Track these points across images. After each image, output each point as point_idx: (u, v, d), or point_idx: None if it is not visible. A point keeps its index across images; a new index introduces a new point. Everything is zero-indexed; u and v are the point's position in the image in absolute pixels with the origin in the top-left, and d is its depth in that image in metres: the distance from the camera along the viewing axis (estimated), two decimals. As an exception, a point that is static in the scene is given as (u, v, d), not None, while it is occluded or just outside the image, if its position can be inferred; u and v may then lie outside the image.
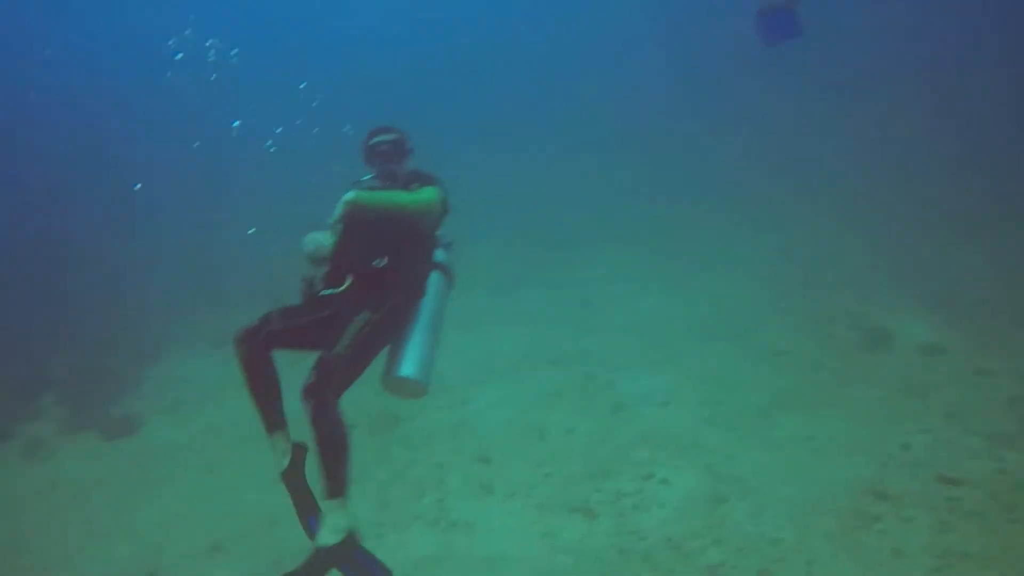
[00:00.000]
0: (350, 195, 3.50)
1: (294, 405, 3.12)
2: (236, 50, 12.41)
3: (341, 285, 3.44)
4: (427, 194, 3.70)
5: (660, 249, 12.56)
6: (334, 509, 2.95)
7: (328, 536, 2.90)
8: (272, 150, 10.51)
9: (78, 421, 8.02)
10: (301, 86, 13.38)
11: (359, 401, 3.33)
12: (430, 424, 7.37)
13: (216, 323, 11.82)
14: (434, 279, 3.71)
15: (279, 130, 10.64)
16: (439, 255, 3.86)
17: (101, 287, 12.55)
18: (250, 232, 8.76)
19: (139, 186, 14.26)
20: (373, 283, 3.44)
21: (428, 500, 6.04)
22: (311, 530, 3.04)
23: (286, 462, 3.23)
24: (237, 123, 11.59)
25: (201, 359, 10.39)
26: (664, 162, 16.84)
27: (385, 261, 3.49)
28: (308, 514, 3.13)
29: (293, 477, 3.22)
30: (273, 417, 3.30)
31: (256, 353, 3.27)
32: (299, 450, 3.26)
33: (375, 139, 3.98)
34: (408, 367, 3.43)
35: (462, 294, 4.01)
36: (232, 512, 6.02)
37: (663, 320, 9.60)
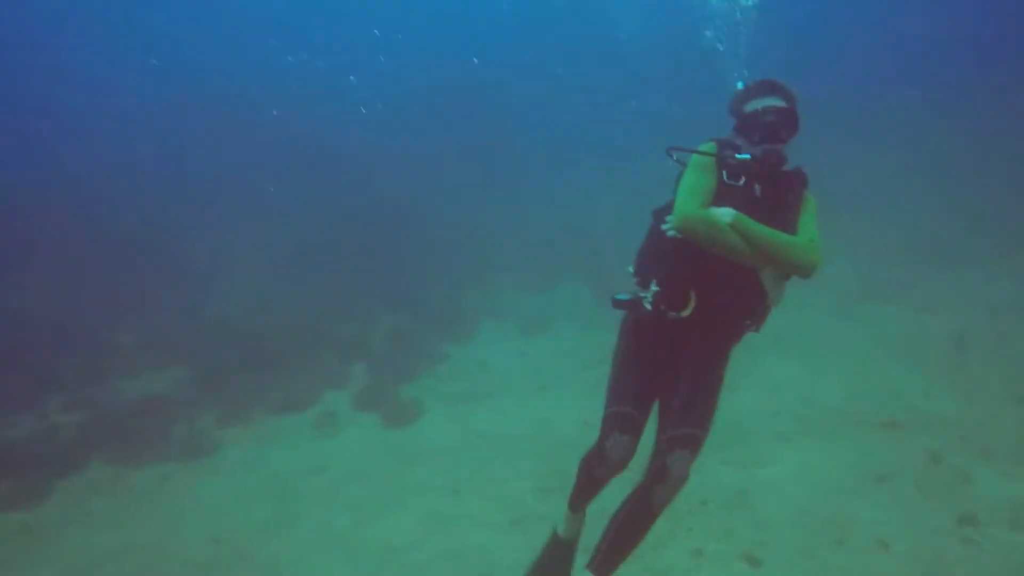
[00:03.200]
0: (730, 214, 2.76)
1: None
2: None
3: (685, 307, 2.90)
4: (818, 247, 2.95)
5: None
6: None
7: None
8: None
9: (370, 398, 8.53)
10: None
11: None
12: (704, 484, 6.20)
13: (528, 303, 11.96)
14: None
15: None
16: None
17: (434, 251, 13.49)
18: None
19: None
20: (725, 309, 2.96)
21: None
22: None
23: (564, 534, 3.33)
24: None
25: (505, 343, 10.48)
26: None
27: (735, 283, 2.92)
28: None
29: (560, 557, 3.32)
30: (583, 501, 3.31)
31: (596, 482, 3.19)
32: (573, 544, 3.38)
33: (760, 101, 2.97)
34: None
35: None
36: (455, 550, 5.54)
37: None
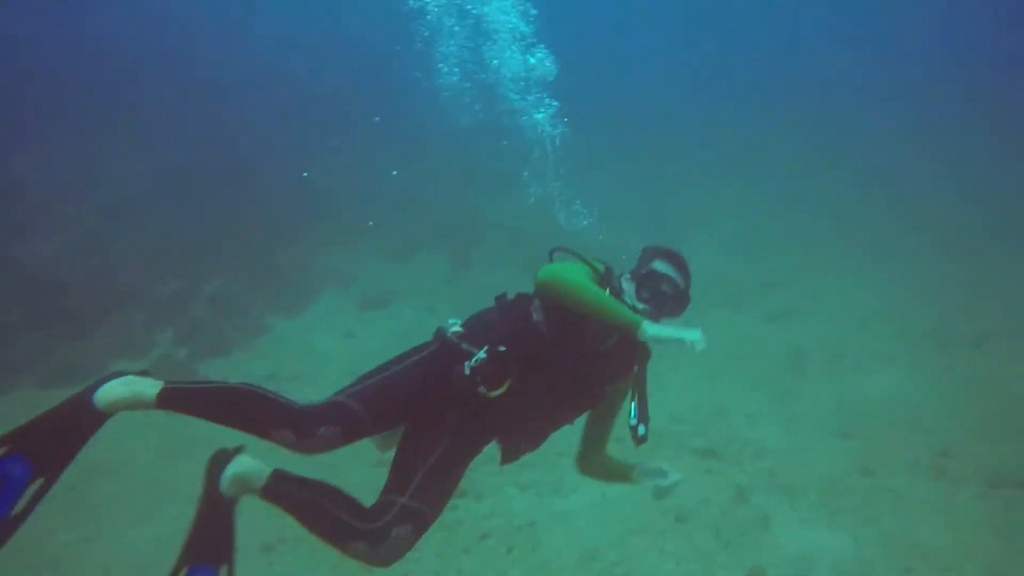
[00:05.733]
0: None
1: None
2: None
3: (497, 389, 2.52)
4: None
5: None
6: None
7: None
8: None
9: (160, 374, 7.51)
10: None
11: None
12: (493, 512, 5.60)
13: (377, 272, 11.04)
14: None
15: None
16: None
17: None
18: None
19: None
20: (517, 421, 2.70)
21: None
22: None
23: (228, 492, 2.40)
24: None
25: (337, 317, 9.59)
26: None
27: None
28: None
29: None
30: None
31: (271, 438, 2.44)
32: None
33: (668, 267, 2.90)
34: None
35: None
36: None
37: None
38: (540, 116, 5.12)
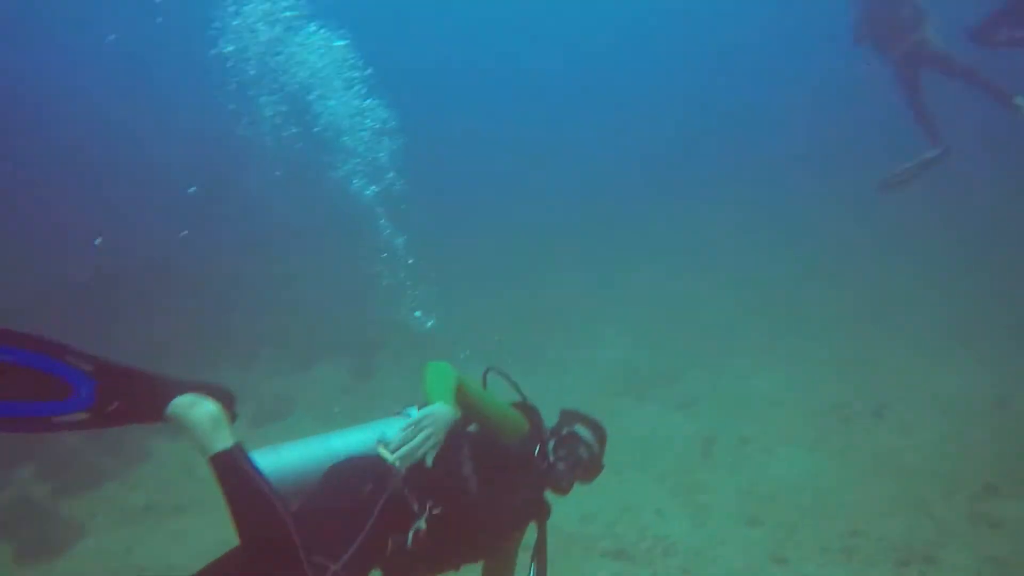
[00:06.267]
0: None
1: None
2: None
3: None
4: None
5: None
6: None
7: None
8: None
9: (13, 520, 6.72)
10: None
11: None
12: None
13: (273, 384, 10.43)
14: None
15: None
16: None
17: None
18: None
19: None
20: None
21: None
22: None
23: None
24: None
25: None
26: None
27: None
28: None
29: None
30: None
31: None
32: None
33: (587, 433, 2.89)
34: None
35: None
36: None
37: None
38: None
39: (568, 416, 2.97)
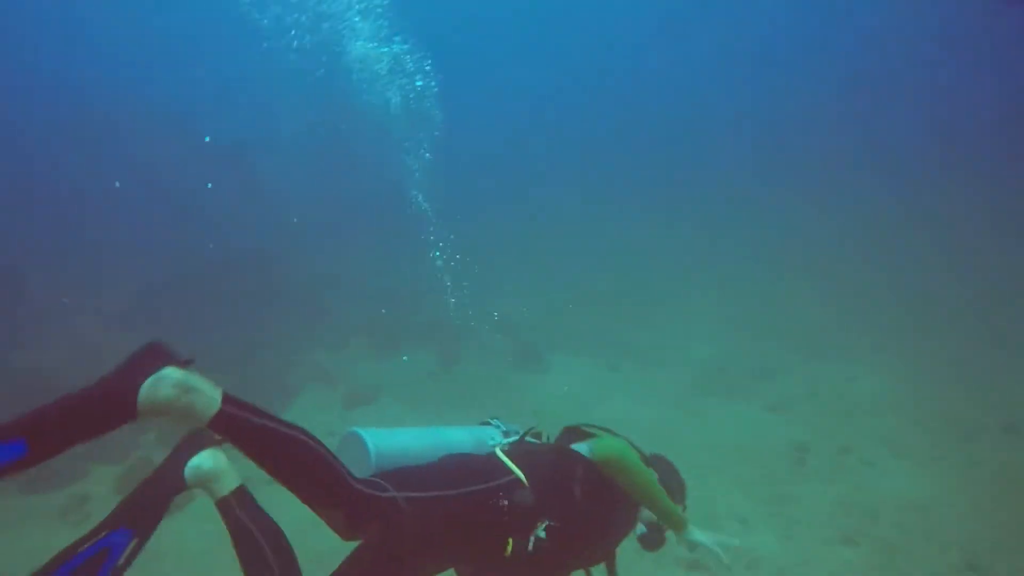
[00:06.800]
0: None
1: None
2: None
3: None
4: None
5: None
6: None
7: None
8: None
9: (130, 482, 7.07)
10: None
11: None
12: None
13: (364, 368, 10.58)
14: None
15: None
16: None
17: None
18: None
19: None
20: None
21: None
22: None
23: None
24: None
25: (321, 415, 9.06)
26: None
27: None
28: None
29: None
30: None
31: None
32: None
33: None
34: None
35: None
36: None
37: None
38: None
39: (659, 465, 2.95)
